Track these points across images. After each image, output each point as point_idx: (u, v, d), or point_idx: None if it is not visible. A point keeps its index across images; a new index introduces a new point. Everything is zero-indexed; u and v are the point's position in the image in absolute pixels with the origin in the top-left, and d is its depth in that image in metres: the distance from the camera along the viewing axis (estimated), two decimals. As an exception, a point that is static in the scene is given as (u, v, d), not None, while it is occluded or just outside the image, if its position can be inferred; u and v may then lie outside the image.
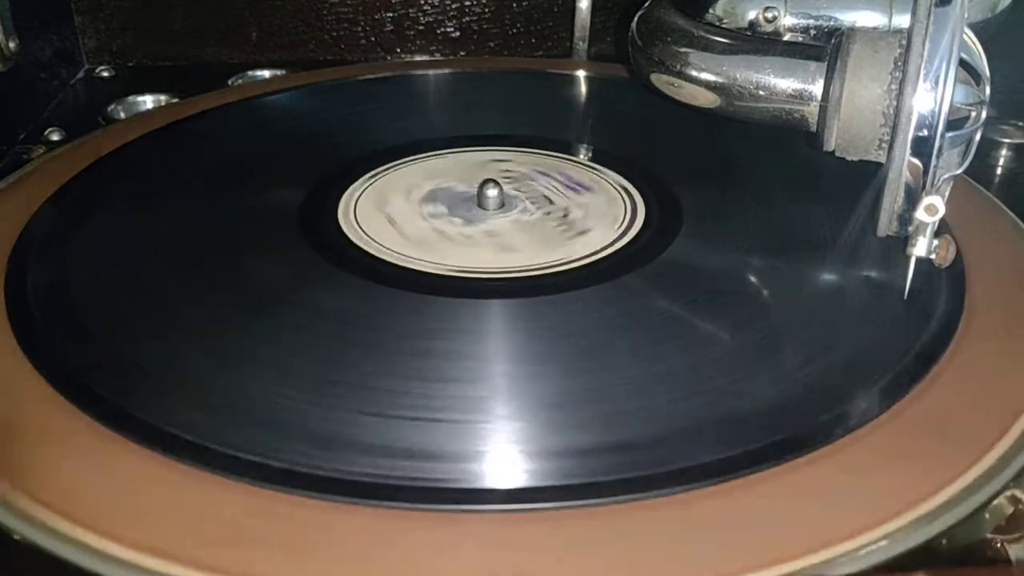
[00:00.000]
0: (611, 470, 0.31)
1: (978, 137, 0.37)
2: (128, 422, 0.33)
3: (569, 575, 0.28)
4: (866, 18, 0.45)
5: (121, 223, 0.46)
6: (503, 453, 0.32)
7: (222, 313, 0.39)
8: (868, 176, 0.39)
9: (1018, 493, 0.31)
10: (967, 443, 0.33)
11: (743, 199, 0.48)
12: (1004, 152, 0.56)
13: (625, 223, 0.45)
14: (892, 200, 0.37)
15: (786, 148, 0.47)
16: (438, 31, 0.73)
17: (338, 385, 0.35)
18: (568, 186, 0.49)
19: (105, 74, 0.70)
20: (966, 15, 0.35)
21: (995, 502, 0.31)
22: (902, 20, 0.43)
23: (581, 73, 0.65)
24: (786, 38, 0.47)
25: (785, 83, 0.41)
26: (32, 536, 0.29)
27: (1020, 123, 0.57)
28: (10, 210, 0.46)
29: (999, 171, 0.55)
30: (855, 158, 0.40)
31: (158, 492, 0.30)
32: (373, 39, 0.73)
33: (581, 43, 0.69)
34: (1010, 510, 0.31)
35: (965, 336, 0.38)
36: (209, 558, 0.28)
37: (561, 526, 0.30)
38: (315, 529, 0.29)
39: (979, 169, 0.53)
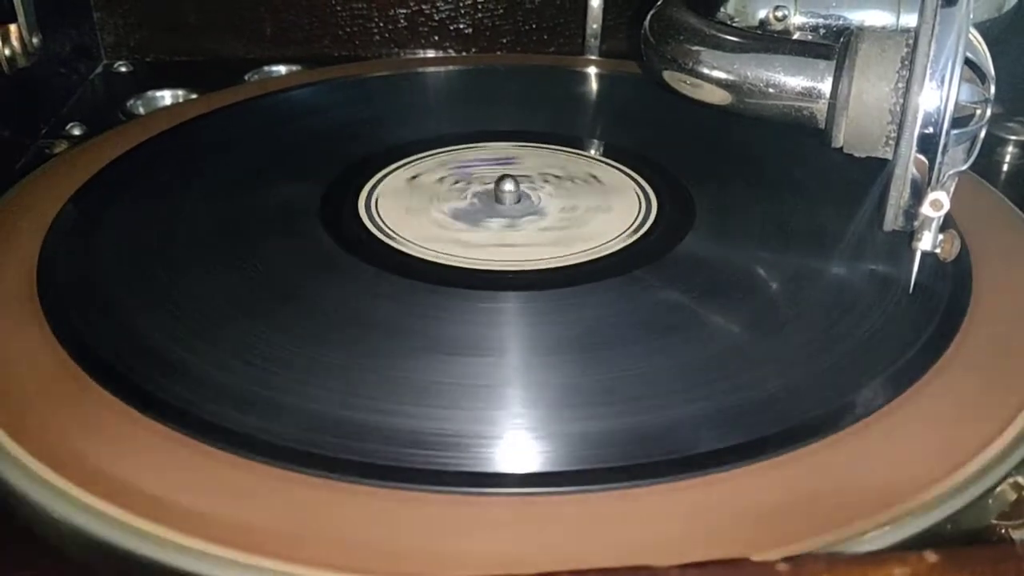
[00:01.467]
0: (623, 456, 0.32)
1: (983, 134, 0.38)
2: (165, 409, 0.34)
3: (590, 554, 0.29)
4: (874, 17, 0.46)
5: (144, 216, 0.46)
6: (518, 439, 0.33)
7: (244, 303, 0.40)
8: (875, 172, 0.39)
9: (1022, 480, 0.32)
10: (972, 432, 0.33)
11: (754, 194, 0.49)
12: (1010, 149, 0.56)
13: (638, 218, 0.46)
14: (898, 195, 0.38)
15: (796, 144, 0.47)
16: (451, 28, 0.73)
17: (357, 372, 0.36)
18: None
19: (123, 69, 0.71)
20: (971, 15, 0.36)
21: (999, 489, 0.32)
22: (910, 19, 0.44)
23: (593, 70, 0.65)
24: (796, 37, 0.48)
25: (795, 81, 0.41)
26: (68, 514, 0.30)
27: (1026, 120, 0.58)
28: (40, 201, 0.47)
29: (1005, 167, 0.56)
30: (862, 154, 0.40)
31: (187, 475, 0.31)
32: (387, 35, 0.73)
33: (593, 40, 0.69)
34: (1014, 497, 0.32)
35: (970, 328, 0.38)
36: (240, 539, 0.29)
37: (574, 509, 0.31)
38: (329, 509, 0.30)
39: (985, 166, 0.54)
